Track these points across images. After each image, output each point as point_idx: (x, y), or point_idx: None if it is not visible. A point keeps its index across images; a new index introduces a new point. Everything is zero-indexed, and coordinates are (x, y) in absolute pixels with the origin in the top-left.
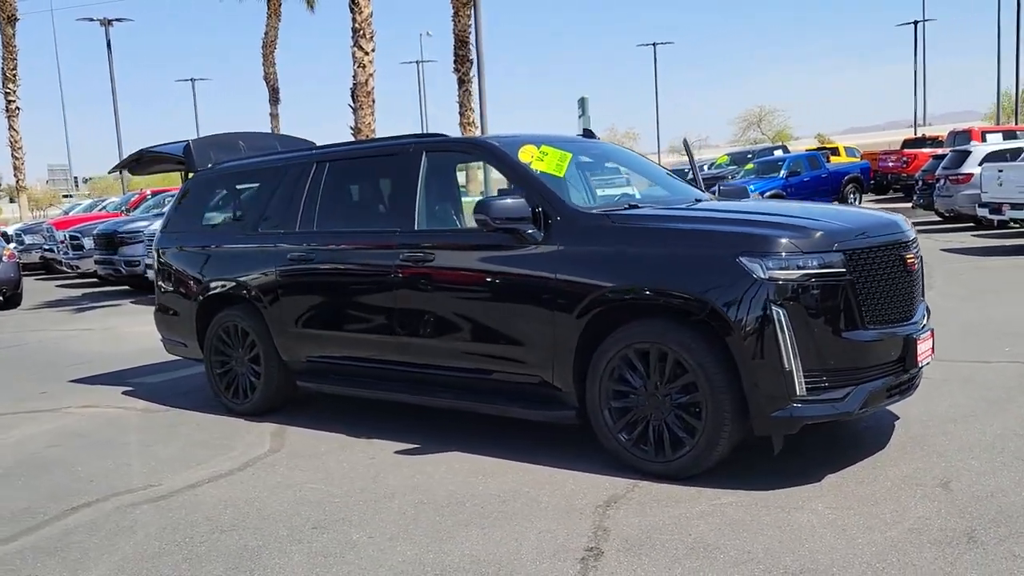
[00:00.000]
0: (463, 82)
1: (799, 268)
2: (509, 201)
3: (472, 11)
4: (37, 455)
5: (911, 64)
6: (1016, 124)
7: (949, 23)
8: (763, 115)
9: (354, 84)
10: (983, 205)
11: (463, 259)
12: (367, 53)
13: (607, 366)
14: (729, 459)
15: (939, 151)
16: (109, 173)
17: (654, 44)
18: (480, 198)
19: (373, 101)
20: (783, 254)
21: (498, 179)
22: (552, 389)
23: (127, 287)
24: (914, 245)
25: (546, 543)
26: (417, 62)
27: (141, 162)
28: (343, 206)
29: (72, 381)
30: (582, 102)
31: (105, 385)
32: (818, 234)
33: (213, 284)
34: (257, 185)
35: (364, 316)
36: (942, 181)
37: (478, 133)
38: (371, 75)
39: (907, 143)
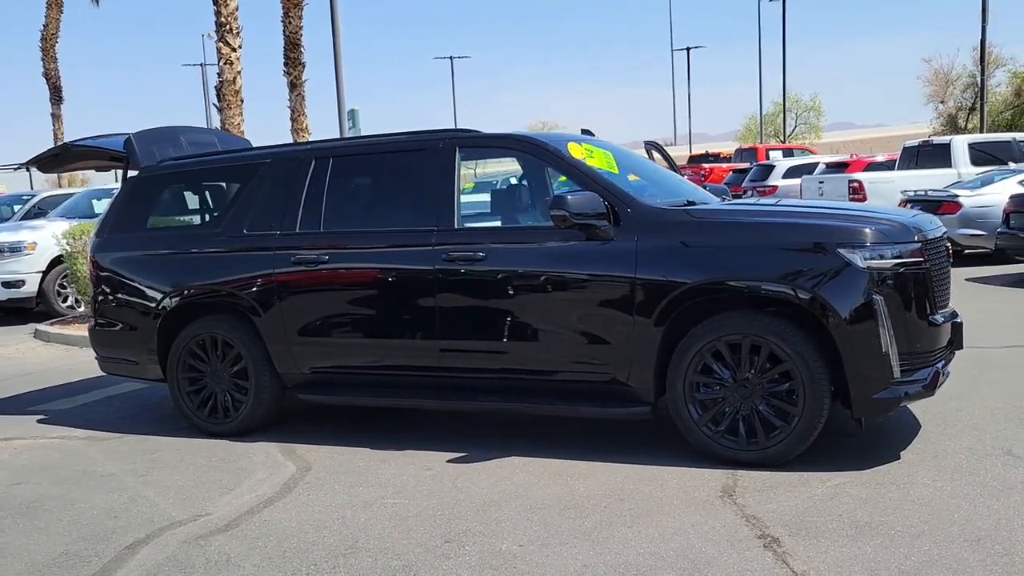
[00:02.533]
0: (295, 86)
1: (891, 257)
2: (586, 196)
3: (302, 12)
4: (9, 496)
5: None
6: (761, 143)
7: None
8: (546, 129)
9: (220, 82)
10: None
11: (524, 257)
12: (234, 49)
13: (693, 360)
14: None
15: (738, 165)
16: (18, 169)
17: (451, 57)
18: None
19: (242, 100)
20: (877, 245)
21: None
22: (622, 386)
23: None
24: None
25: (712, 535)
26: (201, 64)
27: (63, 157)
28: (355, 204)
29: None
30: (352, 114)
31: (5, 416)
32: (901, 226)
33: (184, 292)
34: (234, 183)
35: (394, 321)
36: (750, 192)
37: (311, 138)
38: (239, 72)
39: (692, 159)
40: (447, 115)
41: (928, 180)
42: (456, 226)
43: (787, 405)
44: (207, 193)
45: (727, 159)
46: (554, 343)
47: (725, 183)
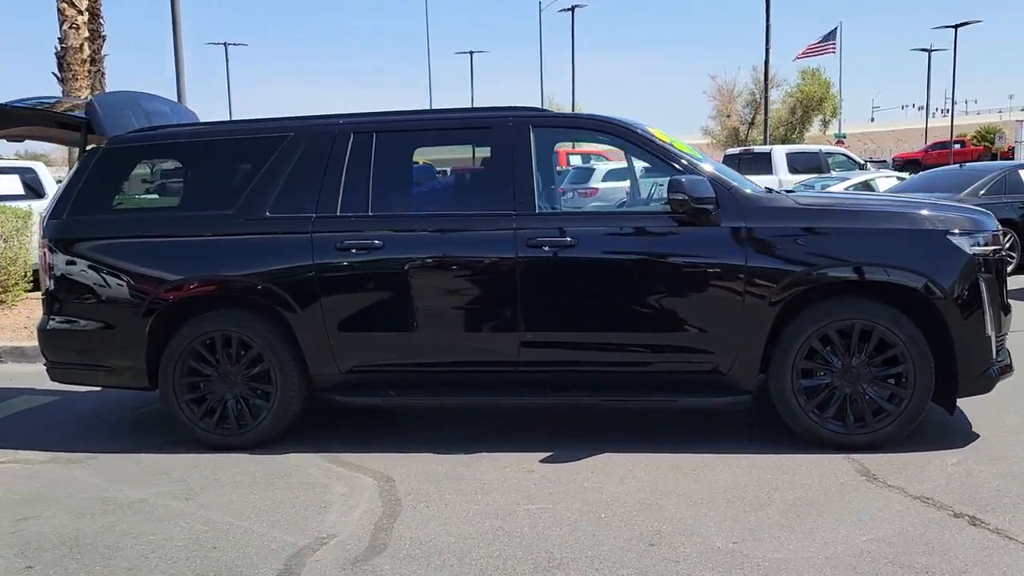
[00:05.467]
0: (93, 61)
1: (988, 244)
2: (697, 179)
3: None
4: (33, 535)
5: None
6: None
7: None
8: None
9: (63, 48)
10: None
11: (621, 243)
12: (80, 12)
13: (802, 346)
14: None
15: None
16: None
17: (225, 43)
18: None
19: (94, 71)
20: (976, 232)
21: None
22: (720, 375)
23: None
24: None
25: (905, 516)
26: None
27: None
28: (408, 186)
29: None
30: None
31: None
32: (985, 215)
33: (187, 285)
34: (244, 160)
35: (466, 312)
36: (571, 194)
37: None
38: (86, 39)
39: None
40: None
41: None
42: (536, 210)
43: (897, 388)
44: (202, 170)
45: None
46: (654, 333)
47: None
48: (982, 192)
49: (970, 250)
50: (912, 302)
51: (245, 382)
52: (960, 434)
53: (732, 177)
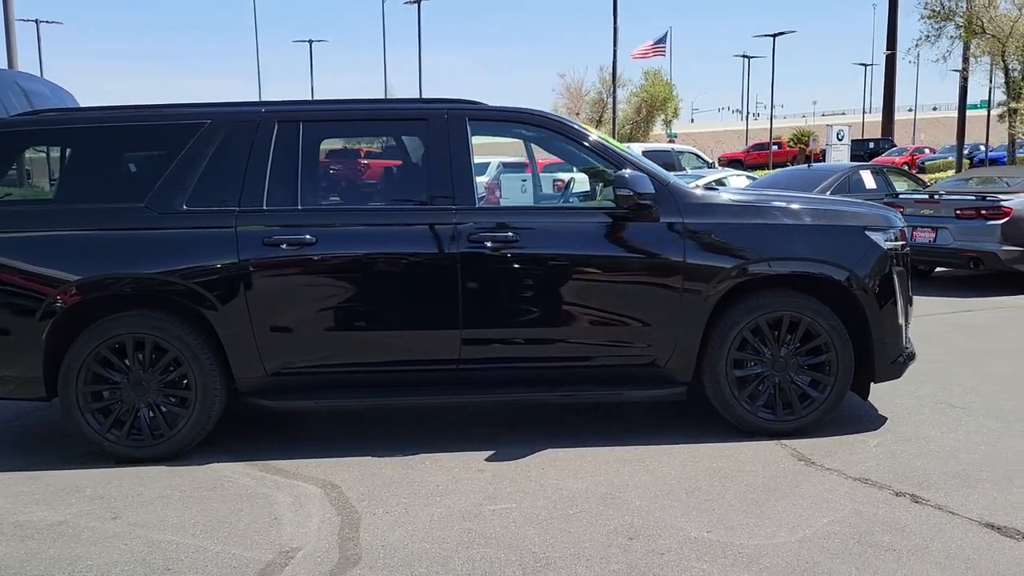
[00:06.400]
0: None
1: (898, 240)
2: (639, 175)
3: None
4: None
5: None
6: None
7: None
8: None
9: None
10: None
11: (563, 238)
12: None
13: (735, 338)
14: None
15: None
16: None
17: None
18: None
19: None
20: (888, 228)
21: None
22: (657, 368)
23: None
24: None
25: (858, 499)
26: None
27: None
28: (339, 179)
29: None
30: None
31: None
32: (894, 213)
33: (92, 285)
34: (151, 148)
35: (404, 309)
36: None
37: None
38: None
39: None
40: None
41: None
42: (477, 204)
43: (822, 376)
44: (104, 159)
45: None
46: (595, 328)
47: None
48: (828, 192)
49: (884, 245)
50: (832, 294)
51: (160, 388)
52: (869, 418)
53: (665, 174)
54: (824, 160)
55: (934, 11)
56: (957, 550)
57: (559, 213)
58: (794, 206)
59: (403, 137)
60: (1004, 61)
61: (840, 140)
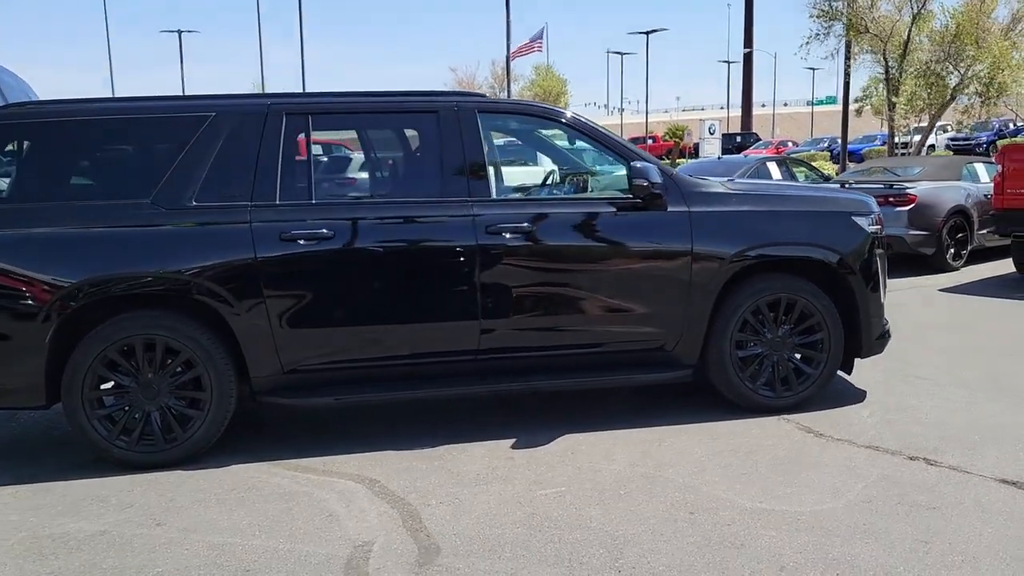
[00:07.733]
0: None
1: (877, 224)
2: (649, 166)
3: None
4: None
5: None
6: None
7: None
8: None
9: None
10: None
11: (578, 228)
12: None
13: (737, 320)
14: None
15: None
16: None
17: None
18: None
19: None
20: (870, 213)
21: None
22: (664, 353)
23: None
24: None
25: (879, 465)
26: None
27: None
28: (351, 171)
29: None
30: None
31: None
32: (872, 200)
33: (100, 285)
34: (154, 142)
35: (421, 303)
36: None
37: None
38: None
39: None
40: None
41: (529, 175)
42: (493, 196)
43: (816, 353)
44: (104, 153)
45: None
46: (608, 315)
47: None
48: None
49: (868, 229)
50: (823, 276)
51: (171, 390)
52: (851, 392)
53: (667, 167)
54: (697, 154)
55: (823, 11)
56: (989, 503)
57: (573, 204)
58: (790, 194)
59: (414, 129)
60: (885, 59)
61: (712, 134)
